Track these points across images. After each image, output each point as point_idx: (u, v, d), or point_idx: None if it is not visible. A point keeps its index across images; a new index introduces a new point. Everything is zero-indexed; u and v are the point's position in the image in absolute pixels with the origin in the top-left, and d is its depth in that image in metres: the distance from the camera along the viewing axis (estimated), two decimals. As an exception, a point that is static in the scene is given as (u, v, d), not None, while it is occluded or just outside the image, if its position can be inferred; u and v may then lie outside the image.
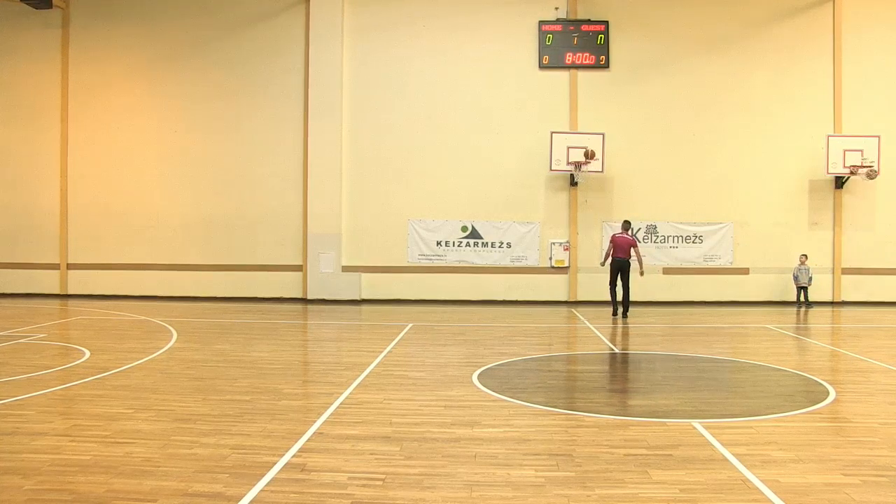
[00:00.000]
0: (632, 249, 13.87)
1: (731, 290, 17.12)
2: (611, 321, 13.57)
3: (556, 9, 17.28)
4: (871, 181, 16.55)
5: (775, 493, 4.32)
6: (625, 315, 14.02)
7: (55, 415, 6.26)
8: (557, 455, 5.10)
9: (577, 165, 16.33)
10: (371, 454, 5.11)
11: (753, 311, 15.48)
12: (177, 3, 17.92)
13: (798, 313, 15.20)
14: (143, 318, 13.59)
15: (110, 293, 17.91)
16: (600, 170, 16.50)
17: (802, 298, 16.45)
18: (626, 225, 14.52)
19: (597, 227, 17.16)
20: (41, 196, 18.13)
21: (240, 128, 17.73)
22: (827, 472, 4.72)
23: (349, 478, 4.60)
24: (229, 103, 17.75)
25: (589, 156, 16.04)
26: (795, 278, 16.54)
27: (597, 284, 17.00)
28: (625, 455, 5.08)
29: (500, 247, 17.29)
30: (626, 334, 11.84)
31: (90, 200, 18.02)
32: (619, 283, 14.02)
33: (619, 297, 14.09)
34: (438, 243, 17.38)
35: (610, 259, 14.08)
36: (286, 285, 17.66)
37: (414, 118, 17.41)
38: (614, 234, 14.30)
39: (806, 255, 16.52)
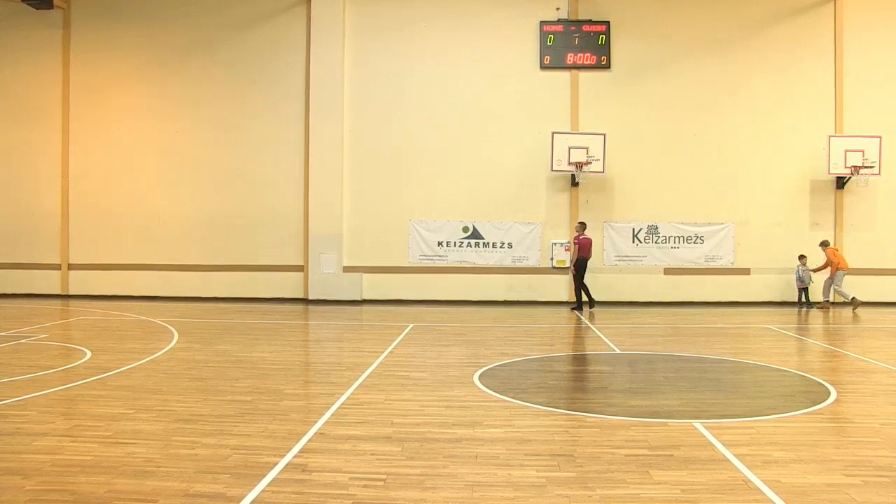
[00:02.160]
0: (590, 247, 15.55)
1: (732, 290, 17.11)
2: (605, 319, 13.58)
3: (558, 9, 17.28)
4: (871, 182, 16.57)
5: (776, 493, 4.32)
6: (580, 309, 15.34)
7: (56, 415, 6.26)
8: (559, 455, 5.10)
9: (578, 166, 16.34)
10: (372, 454, 5.11)
11: (755, 312, 15.47)
12: (178, 4, 17.93)
13: (800, 314, 15.19)
14: (144, 318, 13.59)
15: (111, 293, 17.92)
16: (601, 170, 16.50)
17: (804, 299, 16.44)
18: (584, 226, 15.71)
19: (598, 227, 17.14)
20: (42, 196, 18.14)
21: (241, 128, 17.74)
22: (828, 473, 4.72)
23: (350, 478, 4.60)
24: (230, 103, 17.76)
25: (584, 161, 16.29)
26: (800, 279, 16.48)
27: (598, 285, 17.01)
28: (626, 455, 5.08)
29: (501, 247, 17.29)
30: (627, 335, 11.83)
31: (91, 201, 18.04)
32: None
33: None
34: (440, 244, 17.38)
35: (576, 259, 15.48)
36: (287, 286, 17.67)
37: (415, 118, 17.41)
38: (580, 236, 15.37)
39: (805, 256, 16.50)
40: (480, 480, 4.57)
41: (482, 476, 4.65)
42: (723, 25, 17.21)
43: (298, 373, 8.49)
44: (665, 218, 17.19)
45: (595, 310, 15.42)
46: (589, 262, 15.52)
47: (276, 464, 4.86)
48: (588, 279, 16.01)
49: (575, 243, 15.41)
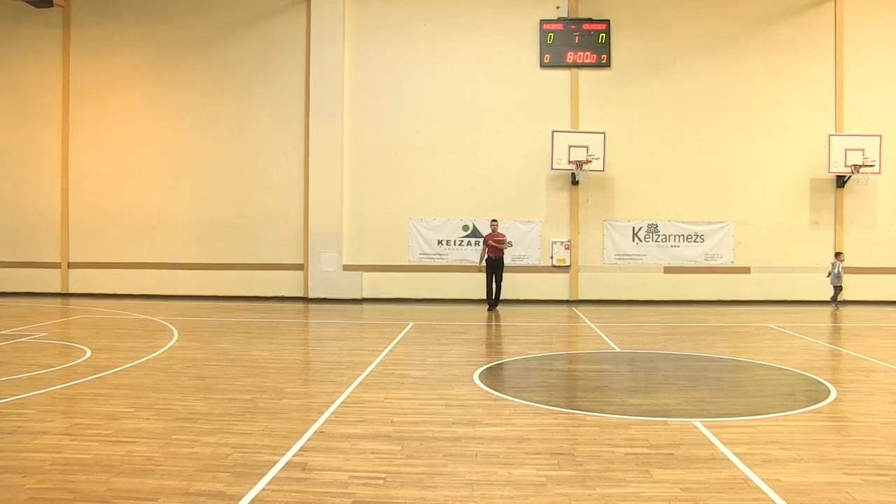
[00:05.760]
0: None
1: (732, 289, 17.11)
2: (605, 317, 13.59)
3: (558, 7, 17.27)
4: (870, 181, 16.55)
5: (776, 492, 4.32)
6: (495, 307, 15.17)
7: (56, 413, 6.26)
8: (558, 454, 5.10)
9: (579, 165, 16.33)
10: (372, 453, 5.11)
11: (754, 311, 15.47)
12: (178, 3, 17.92)
13: (835, 314, 14.77)
14: (144, 316, 13.59)
15: (111, 292, 17.92)
16: (601, 169, 16.49)
17: (840, 298, 15.86)
18: (497, 223, 15.49)
19: (598, 226, 17.16)
20: (42, 195, 18.14)
21: (241, 127, 17.74)
22: (828, 472, 4.72)
23: (350, 477, 4.60)
24: (230, 103, 17.75)
25: None
26: (836, 277, 15.66)
27: (598, 283, 17.04)
28: (626, 454, 5.08)
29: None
30: (627, 333, 11.83)
31: (91, 199, 18.04)
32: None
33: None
34: (439, 242, 17.38)
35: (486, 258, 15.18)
36: (287, 284, 17.66)
37: (415, 117, 17.41)
38: (490, 235, 15.23)
39: (842, 253, 15.95)
40: (480, 479, 4.57)
41: (482, 475, 4.65)
42: (723, 25, 17.20)
43: (298, 371, 8.49)
44: (665, 217, 17.19)
45: (598, 310, 15.40)
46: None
47: (276, 462, 4.86)
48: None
49: (486, 244, 15.23)
